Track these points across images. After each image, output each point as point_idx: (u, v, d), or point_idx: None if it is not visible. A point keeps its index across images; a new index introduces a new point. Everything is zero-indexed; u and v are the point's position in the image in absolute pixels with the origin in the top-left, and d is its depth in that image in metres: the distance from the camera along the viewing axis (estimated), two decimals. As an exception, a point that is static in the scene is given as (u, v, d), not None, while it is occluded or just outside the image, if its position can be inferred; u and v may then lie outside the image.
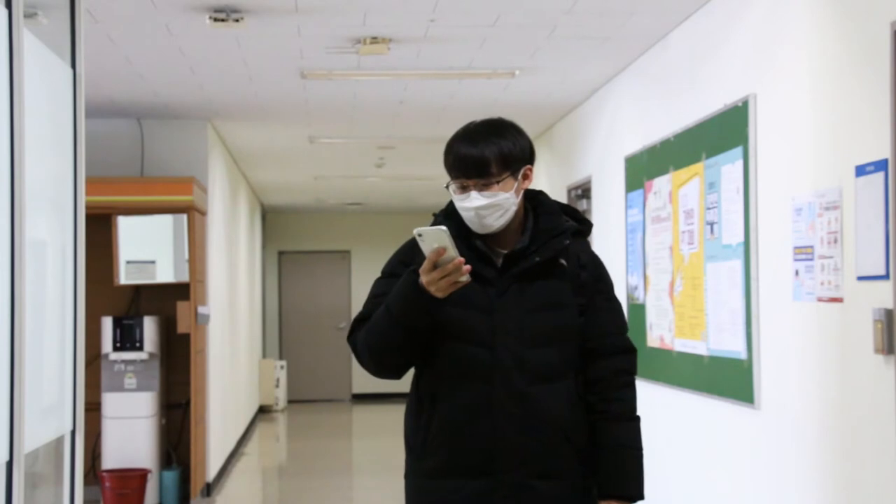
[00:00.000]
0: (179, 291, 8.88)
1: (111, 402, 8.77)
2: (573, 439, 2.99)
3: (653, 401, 6.58)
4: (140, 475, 8.63)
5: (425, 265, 2.82)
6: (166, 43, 6.79)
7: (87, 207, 4.35)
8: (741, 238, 5.46)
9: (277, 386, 16.93)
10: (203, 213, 9.34)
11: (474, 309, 2.96)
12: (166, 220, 8.88)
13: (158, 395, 8.89)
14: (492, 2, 6.03)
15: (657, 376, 6.74)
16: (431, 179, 13.73)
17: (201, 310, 8.99)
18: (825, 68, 4.61)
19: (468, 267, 2.82)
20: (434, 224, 2.94)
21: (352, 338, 3.05)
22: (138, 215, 8.80)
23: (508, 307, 2.97)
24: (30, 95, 3.54)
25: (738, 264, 5.50)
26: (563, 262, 3.03)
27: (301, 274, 18.64)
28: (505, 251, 3.01)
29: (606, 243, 7.84)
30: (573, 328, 3.01)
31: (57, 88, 4.08)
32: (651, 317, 6.95)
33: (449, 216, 3.03)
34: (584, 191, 9.08)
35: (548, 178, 10.22)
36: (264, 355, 17.77)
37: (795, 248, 4.84)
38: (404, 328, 2.90)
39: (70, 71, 4.20)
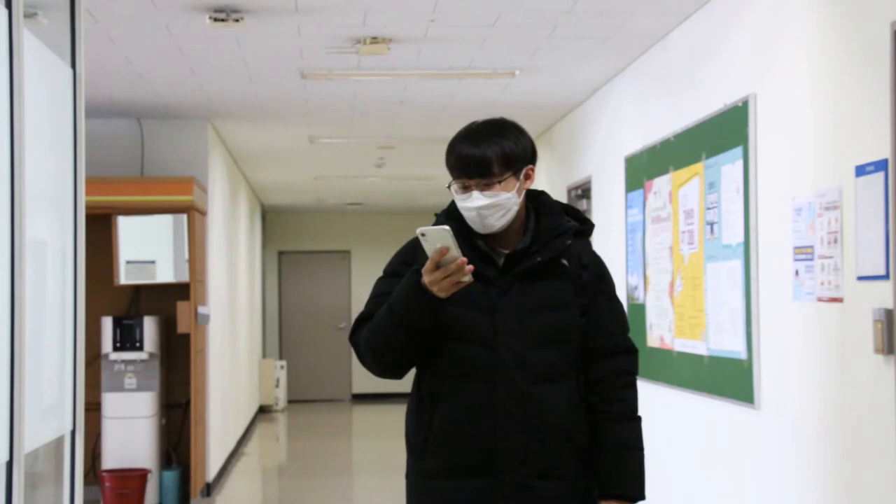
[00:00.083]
0: (179, 291, 8.88)
1: (111, 402, 8.77)
2: (574, 439, 2.99)
3: (653, 401, 6.58)
4: (140, 475, 8.63)
5: (428, 265, 2.82)
6: (166, 43, 6.79)
7: (87, 207, 4.35)
8: (741, 238, 5.46)
9: (277, 386, 16.93)
10: (203, 213, 9.34)
11: (476, 309, 2.96)
12: (166, 220, 8.88)
13: (158, 395, 8.89)
14: (492, 2, 6.03)
15: (657, 376, 6.74)
16: (431, 179, 13.73)
17: (201, 310, 8.99)
18: (825, 68, 4.61)
19: (471, 267, 2.82)
20: (436, 224, 2.94)
21: (354, 337, 3.05)
22: (138, 215, 8.80)
23: (510, 307, 2.97)
24: (30, 95, 3.54)
25: (738, 264, 5.50)
26: (564, 262, 3.03)
27: (301, 274, 18.64)
28: (506, 251, 3.01)
29: (606, 243, 7.84)
30: (575, 328, 3.01)
31: (57, 88, 4.07)
32: (651, 317, 6.95)
33: (451, 216, 3.03)
34: (584, 191, 9.08)
35: (548, 178, 10.22)
36: (264, 355, 17.77)
37: (795, 248, 4.84)
38: (406, 328, 2.90)
39: (70, 71, 4.20)
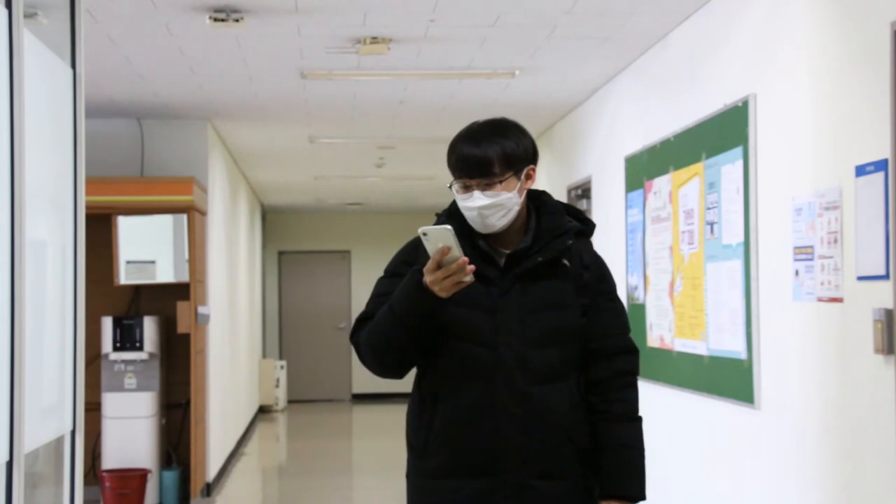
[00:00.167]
0: (179, 291, 8.88)
1: (111, 402, 8.77)
2: (575, 439, 2.99)
3: (653, 401, 6.58)
4: (140, 475, 8.63)
5: (429, 264, 2.82)
6: (166, 43, 6.79)
7: (87, 207, 4.35)
8: (741, 238, 5.46)
9: (277, 386, 16.93)
10: (203, 213, 9.34)
11: (477, 309, 2.96)
12: (166, 220, 8.88)
13: (158, 395, 8.89)
14: (492, 2, 6.03)
15: (657, 376, 6.74)
16: (431, 179, 13.74)
17: (201, 310, 8.99)
18: (825, 68, 4.61)
19: (472, 267, 2.82)
20: (437, 224, 2.94)
21: (354, 337, 3.05)
22: (138, 215, 8.80)
23: (511, 307, 2.97)
24: (30, 95, 3.53)
25: (738, 264, 5.50)
26: (565, 262, 3.03)
27: (301, 274, 18.64)
28: (508, 251, 3.02)
29: (606, 243, 7.84)
30: (575, 329, 3.01)
31: (57, 88, 4.07)
32: (651, 317, 6.95)
33: (452, 216, 3.03)
34: (584, 191, 9.08)
35: (548, 178, 10.22)
36: (264, 355, 17.77)
37: (795, 248, 4.84)
38: (407, 328, 2.90)
39: (70, 71, 4.20)
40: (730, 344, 5.61)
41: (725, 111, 5.67)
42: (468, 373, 2.95)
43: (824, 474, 4.61)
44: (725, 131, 5.66)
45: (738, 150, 5.48)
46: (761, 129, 5.28)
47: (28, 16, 3.69)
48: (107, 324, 8.76)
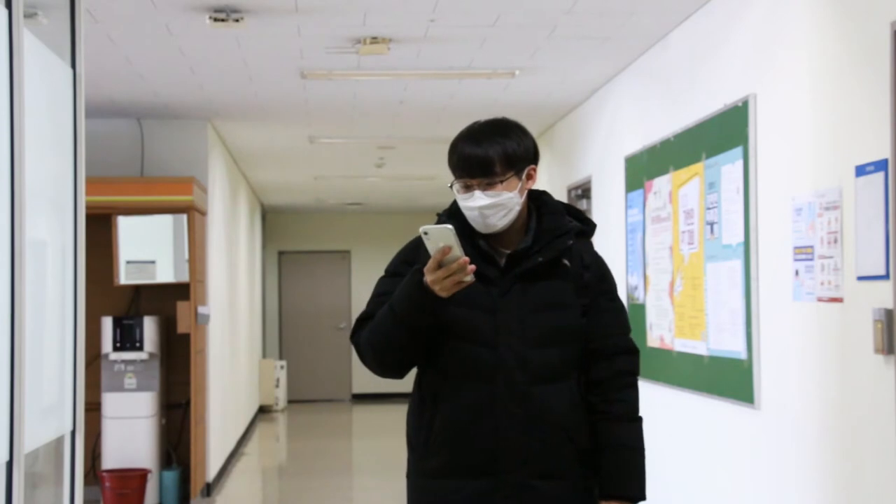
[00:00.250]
0: (179, 291, 8.88)
1: (111, 402, 8.77)
2: (575, 439, 2.99)
3: (653, 401, 6.58)
4: (140, 475, 8.63)
5: (430, 264, 2.83)
6: (166, 43, 6.79)
7: (87, 207, 4.35)
8: (741, 238, 5.46)
9: (277, 386, 16.93)
10: (203, 213, 9.34)
11: (477, 309, 2.96)
12: (166, 220, 8.88)
13: (158, 395, 8.89)
14: (492, 2, 6.03)
15: (657, 376, 6.74)
16: (431, 179, 13.74)
17: (201, 310, 8.99)
18: (825, 68, 4.61)
19: (473, 266, 2.82)
20: (438, 223, 2.94)
21: (355, 337, 3.05)
22: (138, 215, 8.80)
23: (511, 307, 2.97)
24: (30, 95, 3.53)
25: (738, 264, 5.50)
26: (566, 262, 3.03)
27: (301, 274, 18.64)
28: (508, 251, 3.02)
29: (606, 243, 7.84)
30: (576, 329, 3.01)
31: (57, 88, 4.07)
32: (651, 317, 6.95)
33: (452, 216, 3.03)
34: (584, 191, 9.08)
35: (548, 178, 10.22)
36: (264, 355, 17.77)
37: (795, 248, 4.84)
38: (408, 327, 2.90)
39: (70, 71, 4.20)
40: (730, 344, 5.61)
41: (725, 111, 5.67)
42: (468, 373, 2.96)
43: (824, 474, 4.61)
44: (725, 131, 5.66)
45: (738, 150, 5.48)
46: (761, 129, 5.28)
47: (28, 16, 3.69)
48: (107, 324, 8.76)
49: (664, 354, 6.68)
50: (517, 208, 2.99)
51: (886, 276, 4.06)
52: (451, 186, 3.03)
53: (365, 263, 18.22)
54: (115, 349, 8.77)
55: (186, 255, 8.82)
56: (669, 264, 6.58)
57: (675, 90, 6.60)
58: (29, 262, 3.51)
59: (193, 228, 8.80)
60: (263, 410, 16.66)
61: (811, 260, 4.68)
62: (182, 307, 8.75)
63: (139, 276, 8.88)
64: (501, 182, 2.95)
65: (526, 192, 3.02)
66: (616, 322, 3.08)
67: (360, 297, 17.48)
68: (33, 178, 3.59)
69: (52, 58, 3.99)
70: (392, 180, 14.16)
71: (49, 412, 3.96)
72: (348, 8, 6.11)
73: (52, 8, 4.22)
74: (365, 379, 17.83)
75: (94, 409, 8.53)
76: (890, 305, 4.04)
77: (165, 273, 8.92)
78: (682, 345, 6.38)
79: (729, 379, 5.63)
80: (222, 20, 6.04)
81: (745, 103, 5.40)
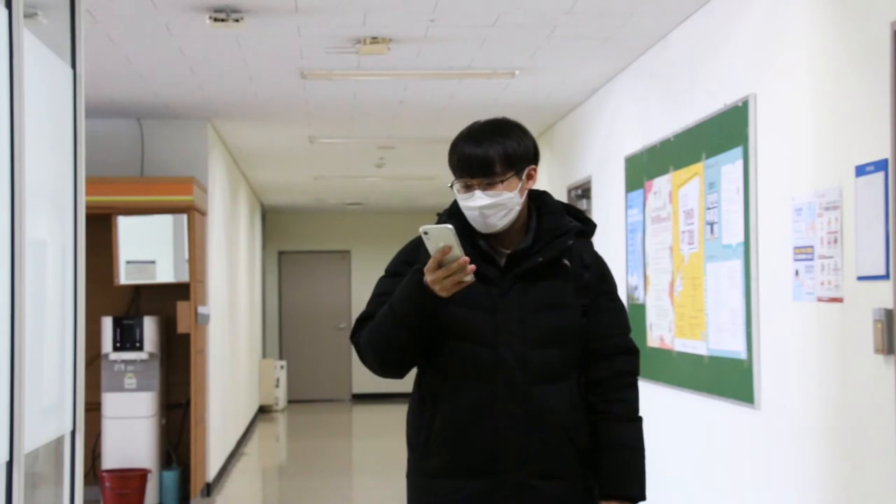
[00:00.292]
0: (179, 291, 8.88)
1: (111, 402, 8.77)
2: (575, 439, 2.99)
3: (653, 401, 6.58)
4: (140, 475, 8.63)
5: (430, 264, 2.83)
6: (166, 43, 6.79)
7: (87, 207, 4.35)
8: (741, 238, 5.46)
9: (277, 386, 16.93)
10: (203, 213, 9.34)
11: (477, 309, 2.96)
12: (166, 220, 8.88)
13: (158, 395, 8.89)
14: (492, 2, 6.03)
15: (657, 376, 6.74)
16: (431, 179, 13.74)
17: (201, 310, 8.99)
18: (825, 68, 4.61)
19: (473, 266, 2.82)
20: (438, 223, 2.95)
21: (355, 336, 3.05)
22: (138, 215, 8.80)
23: (511, 307, 2.97)
24: (30, 95, 3.53)
25: (738, 264, 5.50)
26: (566, 262, 3.03)
27: (301, 274, 18.64)
28: (508, 251, 3.02)
29: (606, 243, 7.84)
30: (576, 329, 3.01)
31: (57, 88, 4.07)
32: (651, 317, 6.95)
33: (453, 215, 3.03)
34: (584, 191, 9.08)
35: (548, 178, 10.22)
36: (264, 355, 17.77)
37: (795, 248, 4.84)
38: (408, 327, 2.90)
39: (70, 71, 4.20)
40: (730, 344, 5.61)
41: (725, 111, 5.67)
42: (468, 373, 2.96)
43: (824, 474, 4.61)
44: (725, 131, 5.66)
45: (738, 150, 5.48)
46: (761, 129, 5.28)
47: (28, 16, 3.69)
48: (107, 324, 8.76)
49: (664, 354, 6.68)
50: (517, 208, 2.99)
51: (886, 276, 4.06)
52: (451, 186, 3.03)
53: (365, 263, 18.22)
54: (115, 349, 8.77)
55: (186, 255, 8.82)
56: (669, 264, 6.58)
57: (675, 90, 6.60)
58: (29, 262, 3.51)
59: (193, 228, 8.80)
60: (263, 410, 16.66)
61: (811, 260, 4.68)
62: (182, 307, 8.75)
63: (139, 276, 8.88)
64: (502, 182, 2.95)
65: (526, 192, 3.02)
66: (616, 322, 3.08)
67: (360, 297, 17.48)
68: (33, 178, 3.59)
69: (52, 58, 3.99)
70: (392, 180, 14.16)
71: (49, 412, 3.96)
72: (348, 8, 6.11)
73: (52, 8, 4.22)
74: (365, 379, 17.83)
75: (94, 409, 8.53)
76: (890, 305, 4.04)
77: (165, 273, 8.93)
78: (682, 345, 6.38)
79: (729, 379, 5.63)
80: (222, 20, 6.04)
81: (745, 103, 5.40)
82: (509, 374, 2.94)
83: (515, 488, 2.94)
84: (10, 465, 3.38)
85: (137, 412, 8.78)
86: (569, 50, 7.10)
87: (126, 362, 8.80)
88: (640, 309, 7.13)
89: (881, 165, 4.09)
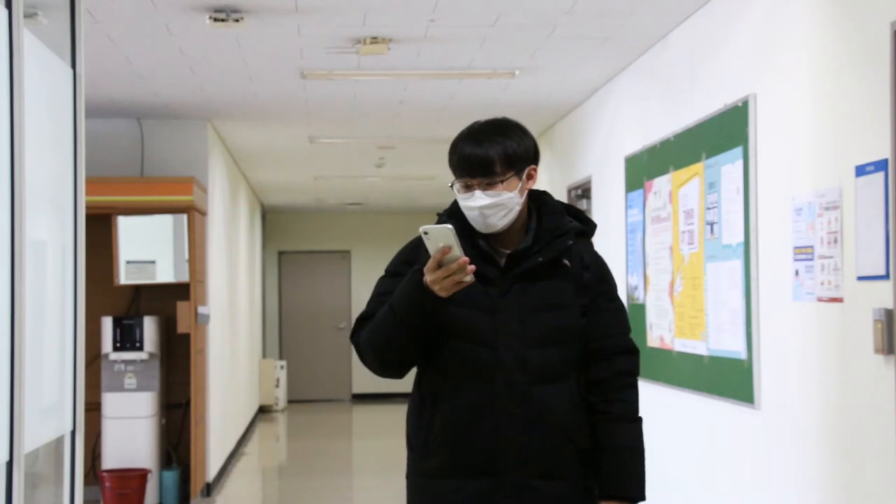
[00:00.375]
0: (179, 291, 8.88)
1: (111, 402, 8.77)
2: (575, 439, 2.99)
3: (653, 401, 6.58)
4: (140, 475, 8.63)
5: (430, 264, 2.83)
6: (166, 43, 6.79)
7: (87, 207, 4.35)
8: (741, 238, 5.46)
9: (277, 386, 16.93)
10: (203, 213, 9.34)
11: (477, 309, 2.96)
12: (166, 220, 8.88)
13: (158, 395, 8.89)
14: (492, 2, 6.03)
15: (657, 376, 6.74)
16: (431, 179, 13.74)
17: (201, 310, 8.99)
18: (825, 68, 4.61)
19: (473, 267, 2.82)
20: (438, 223, 2.95)
21: (355, 336, 3.05)
22: (138, 215, 8.80)
23: (511, 307, 2.97)
24: (30, 95, 3.53)
25: (738, 264, 5.50)
26: (566, 262, 3.03)
27: (301, 274, 18.64)
28: (508, 251, 3.02)
29: (606, 243, 7.83)
30: (575, 329, 3.01)
31: (57, 88, 4.07)
32: (651, 317, 6.95)
33: (453, 215, 3.03)
34: (584, 191, 9.08)
35: (548, 178, 10.22)
36: (264, 355, 17.77)
37: (795, 248, 4.84)
38: (407, 327, 2.90)
39: (70, 71, 4.20)
40: (730, 344, 5.61)
41: (725, 111, 5.67)
42: (468, 373, 2.96)
43: (824, 474, 4.61)
44: (725, 131, 5.66)
45: (738, 150, 5.48)
46: (761, 129, 5.28)
47: (28, 16, 3.69)
48: (107, 324, 8.76)
49: (664, 354, 6.68)
50: (517, 208, 2.99)
51: (886, 276, 4.06)
52: (451, 186, 3.03)
53: (365, 263, 18.22)
54: (115, 349, 8.77)
55: (186, 255, 8.82)
56: (669, 264, 6.58)
57: (675, 90, 6.60)
58: (29, 262, 3.51)
59: (193, 228, 8.80)
60: (263, 410, 16.66)
61: (811, 260, 4.68)
62: (182, 307, 8.75)
63: (139, 276, 8.88)
64: (502, 182, 2.95)
65: (526, 192, 3.02)
66: (616, 322, 3.08)
67: (360, 297, 17.48)
68: (33, 178, 3.59)
69: (52, 58, 3.99)
70: (392, 180, 14.16)
71: (49, 412, 3.96)
72: (348, 8, 6.11)
73: (52, 8, 4.22)
74: (365, 379, 17.83)
75: (94, 409, 8.53)
76: (890, 305, 4.04)
77: (165, 273, 8.93)
78: (682, 345, 6.38)
79: (729, 379, 5.63)
80: (222, 20, 6.04)
81: (745, 103, 5.40)
82: (509, 374, 2.94)
83: (515, 488, 2.94)
84: (10, 465, 3.38)
85: (137, 412, 8.78)
86: (569, 50, 7.10)
87: (126, 362, 8.80)
88: (640, 309, 7.13)
89: (881, 165, 4.09)
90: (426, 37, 6.70)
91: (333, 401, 18.26)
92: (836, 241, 4.46)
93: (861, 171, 4.23)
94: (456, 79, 7.89)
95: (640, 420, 3.06)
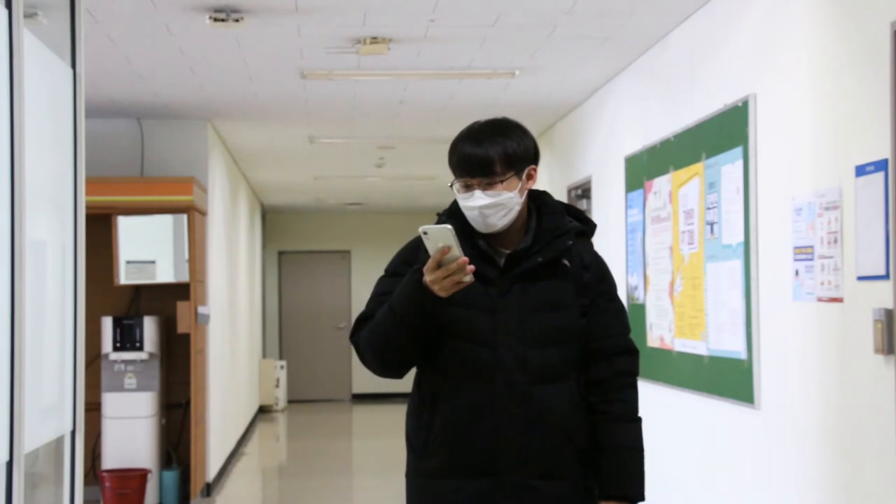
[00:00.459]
0: (179, 291, 8.88)
1: (111, 402, 8.77)
2: (575, 439, 2.99)
3: (653, 401, 6.58)
4: (140, 475, 8.63)
5: (429, 264, 2.83)
6: (166, 43, 6.79)
7: (87, 207, 4.35)
8: (741, 238, 5.46)
9: (277, 386, 16.93)
10: (203, 213, 9.34)
11: (476, 309, 2.96)
12: (166, 220, 8.88)
13: (158, 395, 8.89)
14: (492, 2, 6.03)
15: (657, 376, 6.74)
16: (431, 179, 13.74)
17: (201, 310, 8.99)
18: (825, 68, 4.61)
19: (472, 267, 2.83)
20: (438, 223, 2.95)
21: (355, 336, 3.05)
22: (138, 215, 8.80)
23: (510, 307, 2.97)
24: (30, 95, 3.53)
25: (738, 264, 5.50)
26: (566, 262, 3.03)
27: (301, 274, 18.64)
28: (508, 251, 3.02)
29: (606, 243, 7.83)
30: (575, 329, 3.01)
31: (57, 88, 4.07)
32: (651, 317, 6.95)
33: (452, 215, 3.03)
34: (584, 191, 9.08)
35: (548, 178, 10.22)
36: (264, 355, 17.77)
37: (795, 248, 4.84)
38: (407, 327, 2.90)
39: (70, 71, 4.20)
40: (730, 344, 5.61)
41: (725, 111, 5.67)
42: (468, 373, 2.96)
43: (824, 474, 4.61)
44: (725, 131, 5.66)
45: (738, 150, 5.48)
46: (761, 129, 5.28)
47: (28, 16, 3.69)
48: (107, 324, 8.77)
49: (664, 354, 6.68)
50: (517, 208, 2.99)
51: (886, 276, 4.06)
52: (451, 186, 3.03)
53: (365, 263, 18.22)
54: (115, 349, 8.77)
55: (186, 255, 8.82)
56: (669, 264, 6.58)
57: (675, 90, 6.60)
58: (29, 262, 3.51)
59: (193, 228, 8.80)
60: (263, 410, 16.66)
61: (811, 260, 4.68)
62: (182, 307, 8.75)
63: (139, 276, 8.88)
64: (501, 182, 2.95)
65: (526, 192, 3.02)
66: (616, 322, 3.08)
67: (360, 297, 17.48)
68: (33, 178, 3.59)
69: (52, 58, 3.99)
70: (392, 180, 14.16)
71: (49, 412, 3.96)
72: (348, 8, 6.11)
73: (52, 8, 4.22)
74: (365, 379, 17.83)
75: (94, 409, 8.53)
76: (890, 305, 4.04)
77: (165, 273, 8.93)
78: (682, 345, 6.38)
79: (729, 379, 5.63)
80: (222, 20, 6.04)
81: (745, 103, 5.40)
82: (509, 374, 2.94)
83: (515, 488, 2.95)
84: (10, 465, 3.38)
85: (137, 412, 8.78)
86: (569, 50, 7.10)
87: (126, 362, 8.80)
88: (640, 309, 7.13)
89: (881, 165, 4.09)
90: (426, 37, 6.70)
91: (333, 401, 18.26)
92: (836, 241, 4.46)
93: (861, 171, 4.23)
94: (456, 79, 7.89)
95: (639, 420, 3.06)
